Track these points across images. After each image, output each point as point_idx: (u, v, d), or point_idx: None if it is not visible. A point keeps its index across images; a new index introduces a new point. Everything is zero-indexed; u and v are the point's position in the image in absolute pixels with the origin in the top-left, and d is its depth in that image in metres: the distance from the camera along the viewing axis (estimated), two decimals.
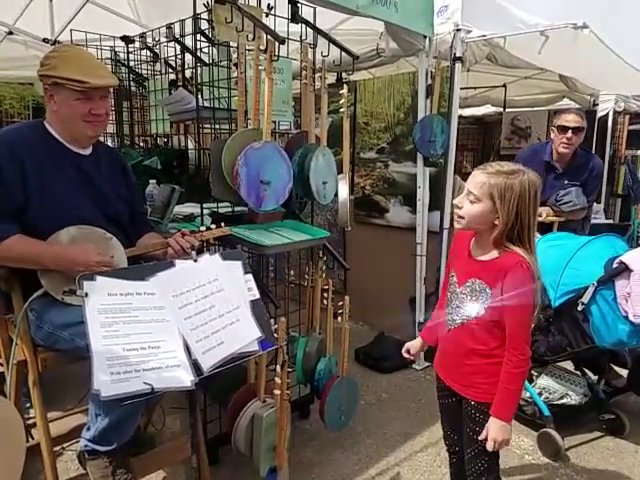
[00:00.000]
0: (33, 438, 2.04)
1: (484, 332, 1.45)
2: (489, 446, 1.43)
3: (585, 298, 2.12)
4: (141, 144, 3.31)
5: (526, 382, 2.43)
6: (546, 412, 2.35)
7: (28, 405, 2.02)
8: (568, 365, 2.62)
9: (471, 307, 1.46)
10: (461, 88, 3.43)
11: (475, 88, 5.42)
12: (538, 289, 1.39)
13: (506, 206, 1.35)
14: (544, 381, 2.55)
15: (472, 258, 1.49)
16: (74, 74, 1.59)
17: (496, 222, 1.38)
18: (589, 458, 2.31)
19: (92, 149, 1.81)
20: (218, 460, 2.17)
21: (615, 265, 2.06)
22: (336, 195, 2.31)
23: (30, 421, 2.06)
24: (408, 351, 1.76)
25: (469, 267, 1.48)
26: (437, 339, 1.67)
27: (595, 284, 2.09)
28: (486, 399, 1.47)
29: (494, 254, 1.42)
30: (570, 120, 2.94)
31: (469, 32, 2.97)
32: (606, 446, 2.39)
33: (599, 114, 4.98)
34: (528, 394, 2.45)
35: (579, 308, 2.14)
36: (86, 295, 1.26)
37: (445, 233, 3.16)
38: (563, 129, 2.95)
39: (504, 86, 5.26)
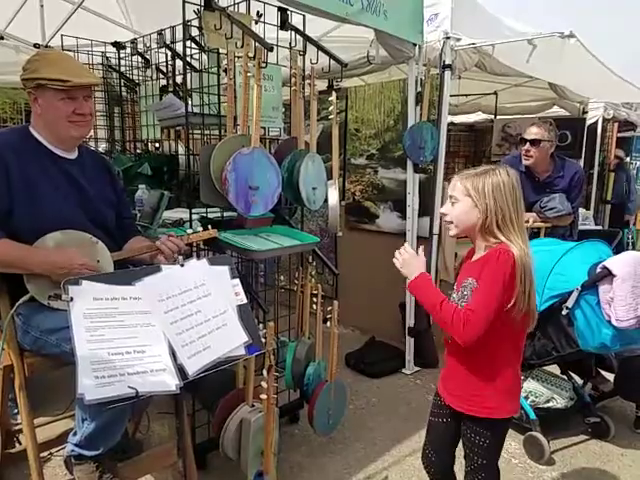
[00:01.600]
0: (20, 443, 2.03)
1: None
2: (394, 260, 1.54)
3: (569, 303, 2.14)
4: (132, 149, 3.31)
5: None
6: (532, 415, 2.37)
7: (16, 411, 2.02)
8: (554, 369, 2.65)
9: (463, 304, 1.46)
10: (452, 95, 3.47)
11: (466, 95, 5.48)
12: (518, 274, 1.38)
13: (482, 197, 1.42)
14: (530, 385, 2.57)
15: (466, 263, 1.56)
16: (56, 74, 1.61)
17: (477, 216, 1.44)
18: (575, 462, 2.32)
19: (77, 153, 1.81)
20: (206, 465, 2.17)
21: (598, 270, 2.09)
22: (326, 201, 2.34)
23: (17, 427, 2.06)
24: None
25: (463, 271, 1.54)
26: None
27: (579, 289, 2.11)
28: (480, 413, 1.46)
29: (482, 252, 1.47)
30: (529, 132, 2.99)
31: (458, 40, 3.01)
32: (592, 450, 2.41)
33: (588, 122, 5.04)
34: None
35: (564, 312, 2.17)
36: (71, 300, 1.27)
37: (435, 239, 3.19)
38: (523, 141, 3.00)
39: (495, 93, 5.32)
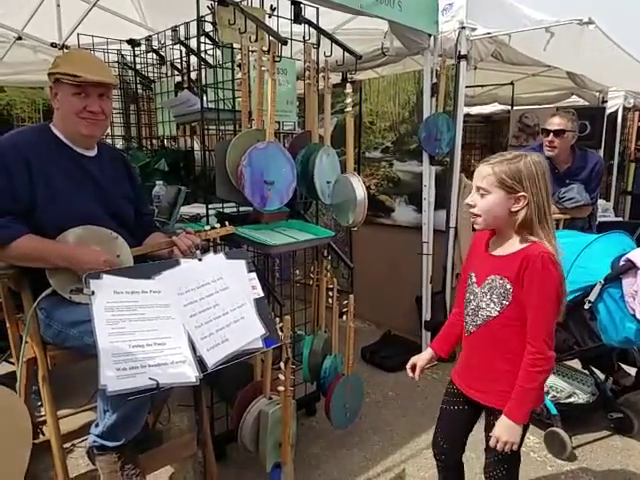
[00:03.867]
0: (44, 435, 2.08)
1: (507, 332, 1.39)
2: (491, 443, 1.38)
3: (592, 296, 2.10)
4: (148, 146, 3.34)
5: None
6: (553, 411, 2.33)
7: (39, 403, 2.06)
8: (576, 364, 2.61)
9: (492, 306, 1.41)
10: (468, 86, 3.43)
11: (482, 86, 5.40)
12: (563, 282, 1.34)
13: (519, 186, 1.32)
14: (552, 380, 2.54)
15: (491, 255, 1.44)
16: (71, 69, 1.64)
17: (513, 209, 1.34)
18: (595, 456, 2.29)
19: (97, 151, 1.84)
20: (225, 456, 2.19)
21: (622, 263, 2.04)
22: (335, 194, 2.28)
23: (41, 418, 2.11)
24: (413, 367, 1.64)
25: (488, 265, 1.43)
26: (449, 349, 1.63)
27: (602, 282, 2.07)
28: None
29: (514, 247, 1.37)
30: (552, 123, 2.95)
31: (474, 30, 2.97)
32: (613, 445, 2.38)
33: (608, 111, 4.94)
34: None
35: (586, 306, 2.12)
36: (93, 293, 1.30)
37: (451, 232, 3.16)
38: (546, 132, 2.96)
39: (511, 84, 5.23)
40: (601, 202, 4.08)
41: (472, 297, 1.48)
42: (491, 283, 1.41)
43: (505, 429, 1.36)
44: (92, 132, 1.75)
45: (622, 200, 5.76)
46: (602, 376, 2.55)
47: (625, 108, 5.12)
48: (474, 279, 1.48)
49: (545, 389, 2.46)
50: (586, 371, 2.55)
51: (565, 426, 2.29)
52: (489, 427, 1.46)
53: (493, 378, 1.44)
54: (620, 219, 5.12)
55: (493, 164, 1.37)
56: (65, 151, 1.74)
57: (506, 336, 1.39)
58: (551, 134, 2.93)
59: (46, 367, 1.68)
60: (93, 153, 1.82)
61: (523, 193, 1.33)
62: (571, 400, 2.47)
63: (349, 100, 2.19)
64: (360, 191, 2.21)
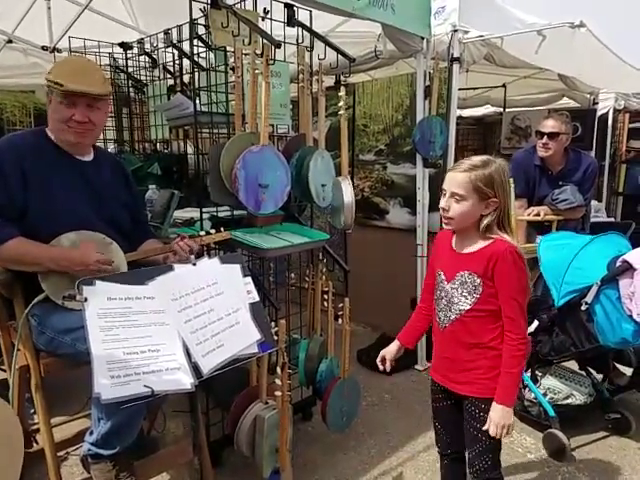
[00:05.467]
0: (37, 443, 2.05)
1: (479, 324, 1.47)
2: (492, 430, 1.44)
3: (589, 298, 2.11)
4: (141, 150, 3.32)
5: (531, 383, 2.43)
6: (551, 413, 2.33)
7: (32, 411, 2.04)
8: (573, 365, 2.62)
9: (464, 300, 1.48)
10: (460, 89, 3.43)
11: (475, 88, 5.42)
12: (528, 273, 1.43)
13: (492, 192, 1.41)
14: (549, 381, 2.53)
15: (457, 253, 1.52)
16: (59, 77, 1.62)
17: (484, 213, 1.43)
18: (591, 456, 2.30)
19: (94, 156, 1.83)
20: (221, 462, 2.17)
21: (618, 264, 2.05)
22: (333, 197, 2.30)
23: (34, 427, 2.08)
24: (383, 360, 1.72)
25: (456, 262, 1.51)
26: (414, 341, 1.73)
27: (599, 283, 2.08)
28: (487, 394, 1.47)
29: (480, 244, 1.46)
30: (546, 125, 2.97)
31: (466, 33, 2.98)
32: (609, 444, 2.39)
33: (599, 112, 4.98)
34: (533, 395, 2.44)
35: (583, 308, 2.13)
36: (85, 300, 1.28)
37: None
38: (540, 134, 2.98)
39: (503, 86, 5.26)
40: (593, 203, 4.09)
41: (443, 294, 1.55)
42: (461, 279, 1.48)
43: (501, 414, 1.44)
44: (81, 140, 1.73)
45: (614, 201, 5.79)
46: (599, 377, 2.55)
47: (616, 110, 5.16)
48: (443, 277, 1.55)
49: (542, 391, 2.47)
50: (583, 372, 2.56)
51: (563, 427, 2.29)
52: (469, 416, 1.53)
53: (468, 368, 1.52)
54: (612, 219, 5.16)
55: (467, 171, 1.44)
56: (61, 155, 1.73)
57: (477, 327, 1.48)
58: (545, 136, 2.94)
59: (39, 375, 1.66)
60: (89, 158, 1.81)
61: (495, 199, 1.42)
62: (569, 401, 2.47)
63: (342, 103, 2.19)
64: (348, 195, 2.23)
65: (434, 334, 1.63)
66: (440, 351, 1.61)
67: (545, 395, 2.45)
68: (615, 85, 4.89)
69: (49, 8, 3.06)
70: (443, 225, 1.53)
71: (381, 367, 1.73)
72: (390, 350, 1.74)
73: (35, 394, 1.68)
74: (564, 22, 3.10)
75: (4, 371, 2.01)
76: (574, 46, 3.36)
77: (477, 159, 1.45)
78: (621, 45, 4.11)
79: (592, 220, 3.65)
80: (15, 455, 1.26)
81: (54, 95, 1.66)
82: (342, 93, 2.19)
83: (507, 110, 5.54)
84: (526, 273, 1.42)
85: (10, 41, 3.43)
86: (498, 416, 1.43)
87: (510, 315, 1.43)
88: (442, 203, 1.49)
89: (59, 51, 3.30)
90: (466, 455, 1.62)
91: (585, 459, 2.28)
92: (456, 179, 1.44)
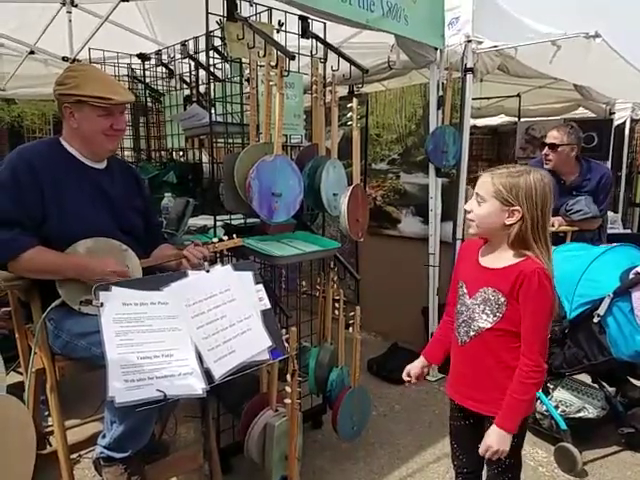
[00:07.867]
0: (51, 445, 2.09)
1: (500, 344, 1.41)
2: (481, 451, 1.38)
3: (601, 310, 2.09)
4: (157, 158, 3.38)
5: (542, 395, 2.40)
6: (563, 426, 2.30)
7: (47, 413, 2.07)
8: (585, 378, 2.58)
9: (485, 318, 1.42)
10: (474, 98, 3.45)
11: (489, 98, 5.42)
12: (555, 298, 1.38)
13: (515, 202, 1.34)
14: (561, 394, 2.50)
15: (482, 267, 1.45)
16: (98, 92, 1.68)
17: (507, 222, 1.36)
18: (604, 471, 2.26)
19: (106, 163, 1.87)
20: (231, 469, 2.18)
21: (631, 276, 2.03)
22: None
23: (48, 429, 2.11)
24: (408, 374, 1.66)
25: (480, 276, 1.44)
26: (442, 357, 1.64)
27: (611, 295, 2.06)
28: None
29: (509, 261, 1.39)
30: (548, 136, 3.00)
31: (480, 43, 2.99)
32: (623, 458, 2.34)
33: (616, 122, 4.93)
34: (545, 407, 2.41)
35: (595, 320, 2.11)
36: (102, 305, 1.31)
37: (458, 243, 3.15)
38: (542, 145, 2.99)
39: (518, 96, 5.24)
40: (609, 214, 4.05)
41: (463, 309, 1.49)
42: (484, 295, 1.42)
43: (496, 438, 1.37)
44: (115, 146, 1.88)
45: (630, 212, 5.72)
46: (612, 390, 2.51)
47: (633, 120, 5.11)
48: (465, 290, 1.49)
49: (554, 403, 2.44)
50: (596, 385, 2.53)
51: (575, 441, 2.26)
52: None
53: (488, 387, 1.45)
54: (628, 231, 5.09)
55: (494, 174, 1.39)
56: (75, 164, 1.77)
57: (499, 347, 1.42)
58: (546, 147, 2.96)
59: (54, 378, 1.69)
60: (103, 166, 1.85)
61: (517, 207, 1.34)
62: (581, 415, 2.43)
63: (352, 114, 2.21)
64: (341, 206, 2.22)
65: (452, 348, 1.56)
66: (459, 367, 1.54)
67: (557, 408, 2.42)
68: (631, 95, 4.84)
69: (70, 20, 3.15)
70: (468, 229, 1.50)
71: (406, 379, 1.67)
72: (415, 366, 1.67)
73: (50, 397, 1.71)
74: (579, 32, 3.10)
75: (20, 373, 2.06)
76: (589, 56, 3.35)
77: (513, 167, 1.40)
78: (637, 55, 4.08)
79: (608, 231, 3.61)
80: (28, 456, 1.28)
81: (88, 109, 1.69)
82: (354, 104, 2.21)
83: (522, 120, 5.52)
84: (550, 297, 1.35)
85: (32, 52, 3.54)
86: (493, 440, 1.36)
87: (527, 338, 1.36)
88: (467, 204, 1.46)
89: (79, 62, 3.39)
90: (483, 473, 1.58)
91: (597, 474, 2.24)
92: (482, 181, 1.42)
